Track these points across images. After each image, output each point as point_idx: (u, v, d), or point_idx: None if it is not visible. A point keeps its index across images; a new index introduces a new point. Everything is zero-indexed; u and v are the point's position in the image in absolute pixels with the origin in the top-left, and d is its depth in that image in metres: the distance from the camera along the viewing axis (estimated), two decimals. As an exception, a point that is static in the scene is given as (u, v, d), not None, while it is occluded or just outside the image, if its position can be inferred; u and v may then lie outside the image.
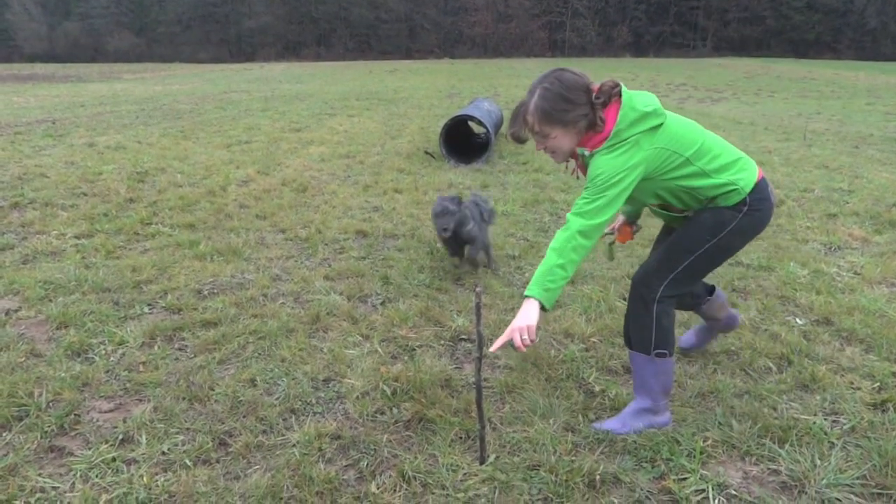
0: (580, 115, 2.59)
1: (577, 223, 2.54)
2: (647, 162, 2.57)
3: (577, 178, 2.87)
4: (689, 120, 2.76)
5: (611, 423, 2.89)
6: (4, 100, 18.81)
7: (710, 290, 3.35)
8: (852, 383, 3.25)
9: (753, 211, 2.70)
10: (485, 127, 8.82)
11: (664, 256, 2.82)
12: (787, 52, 49.10)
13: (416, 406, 2.98)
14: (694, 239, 2.75)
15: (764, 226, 2.82)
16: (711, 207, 2.73)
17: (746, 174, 2.71)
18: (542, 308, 2.53)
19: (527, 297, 2.55)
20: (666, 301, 2.79)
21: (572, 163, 2.86)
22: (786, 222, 6.12)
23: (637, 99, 2.61)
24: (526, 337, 2.47)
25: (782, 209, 6.60)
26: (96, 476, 2.53)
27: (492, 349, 2.56)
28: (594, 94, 2.59)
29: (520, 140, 2.79)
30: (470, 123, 10.23)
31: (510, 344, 2.50)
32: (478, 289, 2.47)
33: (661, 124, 2.59)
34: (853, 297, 4.28)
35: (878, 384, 3.23)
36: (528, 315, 2.50)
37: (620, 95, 2.62)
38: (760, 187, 2.73)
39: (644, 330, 2.80)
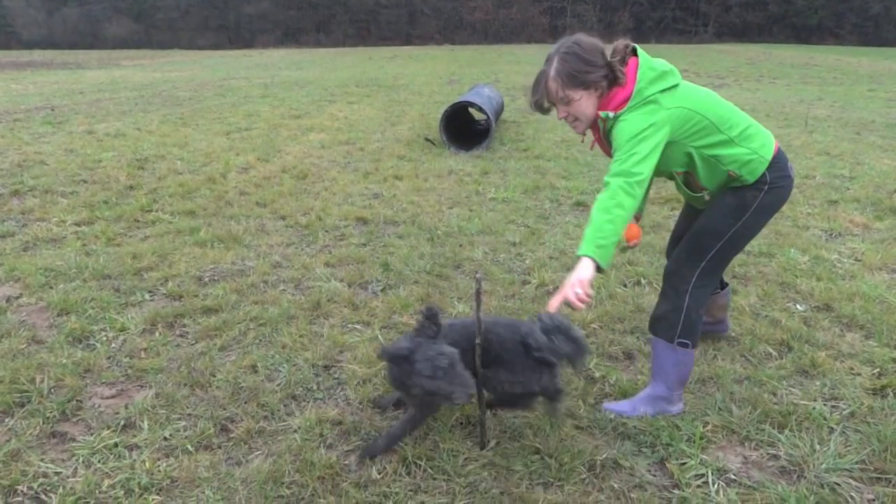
0: (600, 76, 2.62)
1: (615, 182, 2.51)
2: (671, 122, 2.57)
3: (592, 149, 2.89)
4: (705, 88, 2.75)
5: (621, 406, 2.90)
6: (3, 86, 18.74)
7: (723, 285, 3.37)
8: (852, 369, 3.26)
9: (774, 188, 2.71)
10: (485, 113, 8.79)
11: (693, 245, 2.82)
12: (790, 37, 48.83)
13: (416, 392, 2.99)
14: (719, 224, 2.76)
15: (784, 201, 2.83)
16: (732, 189, 2.73)
17: (767, 145, 2.71)
18: (599, 269, 2.46)
19: (580, 256, 2.48)
20: (698, 291, 2.80)
21: (590, 135, 2.87)
22: (787, 209, 6.10)
23: (653, 59, 2.66)
24: (580, 292, 2.38)
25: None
26: (98, 461, 2.54)
27: (549, 308, 2.45)
28: (610, 54, 2.64)
29: (542, 109, 2.79)
30: (470, 110, 10.19)
31: (566, 303, 2.41)
32: (478, 275, 2.47)
33: (678, 84, 2.62)
34: (853, 284, 4.28)
35: (878, 370, 3.24)
36: (581, 272, 2.42)
37: (636, 54, 2.65)
38: (779, 161, 2.73)
39: (672, 318, 2.82)
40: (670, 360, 2.84)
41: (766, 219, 2.81)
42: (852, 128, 11.06)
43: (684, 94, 2.62)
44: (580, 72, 2.60)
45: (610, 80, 2.63)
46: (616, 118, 2.62)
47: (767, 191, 2.70)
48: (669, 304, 2.84)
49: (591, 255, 2.45)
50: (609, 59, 2.62)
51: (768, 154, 2.69)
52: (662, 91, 2.58)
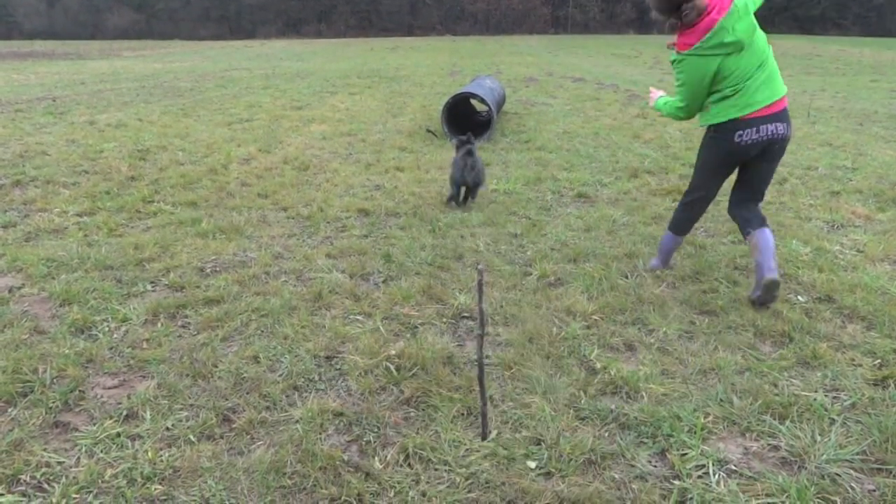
0: None
1: None
2: None
3: None
4: None
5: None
6: (4, 77, 18.73)
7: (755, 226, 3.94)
8: (853, 360, 3.26)
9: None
10: (487, 105, 8.77)
11: None
12: (793, 28, 48.57)
13: (418, 383, 3.00)
14: None
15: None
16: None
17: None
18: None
19: None
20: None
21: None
22: (789, 200, 6.10)
23: None
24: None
25: (785, 186, 6.58)
26: (101, 451, 2.55)
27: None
28: None
29: None
30: (472, 101, 10.17)
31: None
32: (480, 266, 2.47)
33: None
34: (855, 275, 4.28)
35: (879, 361, 3.24)
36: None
37: None
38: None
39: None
40: (665, 243, 4.37)
41: (709, 159, 3.99)
42: (855, 119, 11.04)
43: None
44: None
45: None
46: None
47: (711, 138, 3.91)
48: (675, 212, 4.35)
49: None
50: None
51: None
52: None
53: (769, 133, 3.72)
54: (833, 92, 15.44)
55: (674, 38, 3.75)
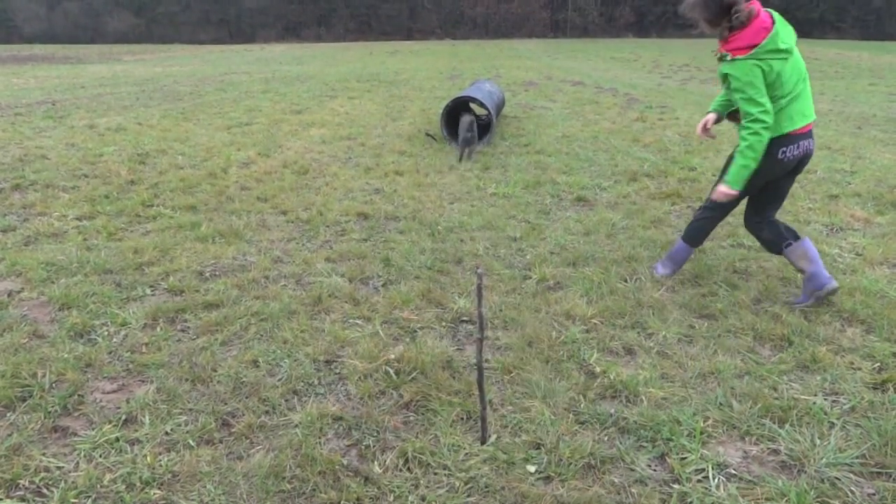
0: None
1: None
2: None
3: None
4: None
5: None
6: (4, 81, 18.74)
7: (795, 236, 3.92)
8: (852, 364, 3.26)
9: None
10: (486, 108, 8.78)
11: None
12: (791, 32, 48.67)
13: (417, 387, 3.00)
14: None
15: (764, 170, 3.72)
16: None
17: None
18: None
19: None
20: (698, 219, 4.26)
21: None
22: (787, 203, 6.09)
23: None
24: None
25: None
26: (100, 456, 2.55)
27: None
28: None
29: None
30: (471, 105, 10.18)
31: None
32: (479, 270, 2.47)
33: None
34: (854, 278, 4.28)
35: (879, 364, 3.24)
36: None
37: None
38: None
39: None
40: (676, 253, 4.32)
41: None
42: (853, 122, 11.05)
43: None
44: None
45: None
46: None
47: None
48: (694, 219, 4.26)
49: None
50: None
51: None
52: None
53: (804, 149, 3.72)
54: (832, 95, 15.45)
55: (720, 47, 3.64)
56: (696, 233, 4.26)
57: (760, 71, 3.49)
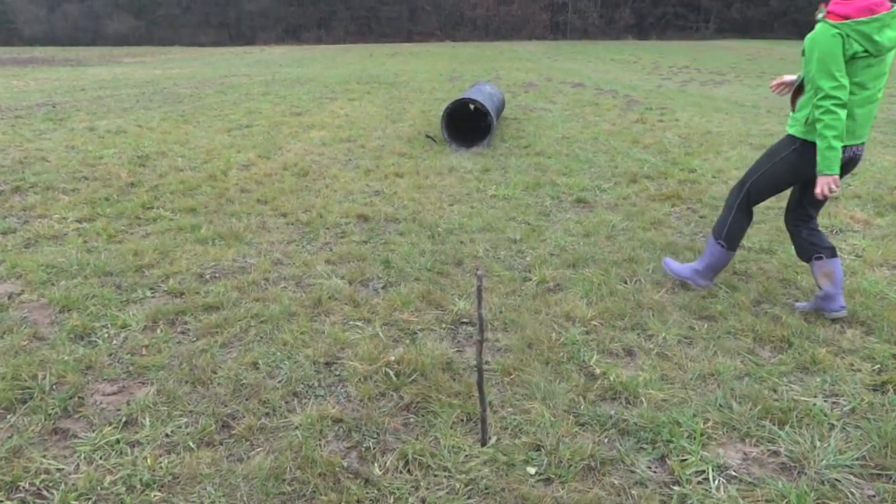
0: None
1: None
2: None
3: None
4: None
5: (675, 266, 4.25)
6: (4, 83, 18.75)
7: (830, 252, 3.77)
8: (852, 365, 3.26)
9: (801, 153, 3.57)
10: (486, 111, 8.78)
11: (746, 173, 3.99)
12: (791, 33, 48.56)
13: (417, 389, 3.00)
14: (762, 159, 3.89)
15: (802, 171, 3.62)
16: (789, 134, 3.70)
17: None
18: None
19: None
20: (739, 212, 3.99)
21: None
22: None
23: None
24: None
25: (784, 192, 6.56)
26: (100, 458, 2.55)
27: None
28: None
29: None
30: (472, 107, 10.19)
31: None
32: (479, 272, 2.47)
33: None
34: (854, 280, 4.28)
35: (879, 366, 3.24)
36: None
37: None
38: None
39: (721, 222, 4.04)
40: (710, 249, 4.03)
41: (782, 171, 3.74)
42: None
43: None
44: None
45: None
46: None
47: (796, 150, 3.59)
48: (722, 213, 4.05)
49: None
50: None
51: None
52: None
53: (853, 152, 3.55)
54: (832, 97, 15.44)
55: (824, 11, 3.38)
56: (734, 233, 3.99)
57: (841, 44, 3.25)
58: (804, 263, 4.56)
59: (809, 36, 3.40)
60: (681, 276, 4.20)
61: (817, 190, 3.45)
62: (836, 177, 3.39)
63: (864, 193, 6.43)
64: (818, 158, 3.40)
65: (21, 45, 49.19)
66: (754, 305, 3.93)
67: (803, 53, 3.46)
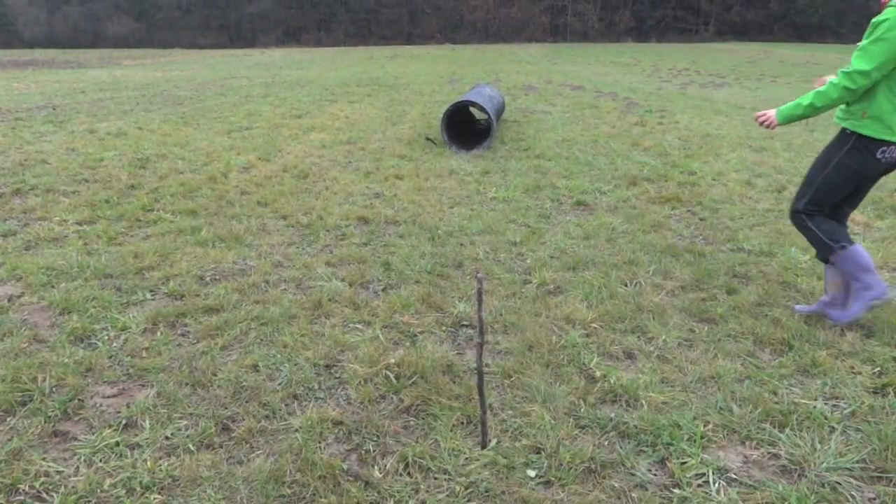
0: None
1: None
2: None
3: None
4: None
5: (834, 314, 3.66)
6: (4, 86, 18.76)
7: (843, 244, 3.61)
8: (853, 368, 3.26)
9: (858, 150, 3.42)
10: (486, 113, 8.79)
11: (804, 181, 3.73)
12: (791, 36, 48.69)
13: (417, 392, 3.00)
14: (820, 159, 3.66)
15: (861, 174, 3.50)
16: (843, 130, 3.51)
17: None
18: None
19: None
20: (815, 218, 3.64)
21: None
22: (787, 208, 6.09)
23: None
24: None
25: (784, 195, 6.58)
26: (100, 460, 2.55)
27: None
28: None
29: None
30: (471, 109, 10.19)
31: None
32: (479, 275, 2.47)
33: None
34: (854, 283, 4.27)
35: (879, 369, 3.24)
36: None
37: None
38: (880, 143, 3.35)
39: (816, 243, 3.69)
40: (844, 264, 3.58)
41: (839, 177, 3.51)
42: (853, 127, 11.03)
43: None
44: None
45: None
46: None
47: (851, 148, 3.42)
48: (806, 237, 3.73)
49: None
50: None
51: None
52: None
53: None
54: (831, 100, 15.45)
55: None
56: (822, 245, 3.66)
57: None
58: (804, 266, 4.58)
59: (885, 16, 3.21)
60: (855, 314, 3.63)
61: (759, 115, 3.73)
62: (776, 123, 3.64)
63: (865, 197, 6.42)
64: (789, 104, 3.55)
65: (21, 47, 49.23)
66: (754, 308, 3.93)
67: (869, 34, 3.26)
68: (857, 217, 5.73)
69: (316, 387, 3.08)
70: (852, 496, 2.37)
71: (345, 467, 2.52)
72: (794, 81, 20.69)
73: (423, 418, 2.85)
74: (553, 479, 2.46)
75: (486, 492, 2.40)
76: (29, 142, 9.17)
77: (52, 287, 4.14)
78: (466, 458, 2.57)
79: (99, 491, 2.38)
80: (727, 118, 11.96)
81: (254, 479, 2.43)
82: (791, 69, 25.99)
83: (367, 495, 2.38)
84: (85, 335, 3.53)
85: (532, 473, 2.49)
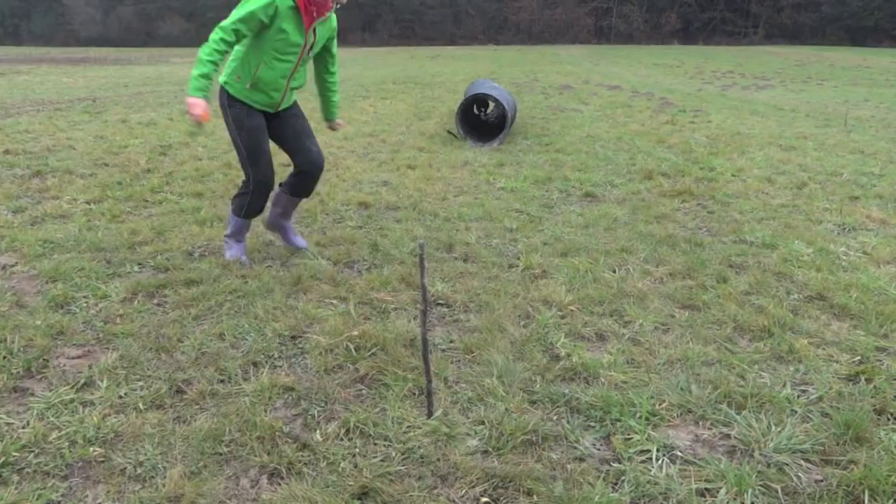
0: None
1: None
2: None
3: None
4: None
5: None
6: (55, 80, 19.39)
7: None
8: (831, 356, 3.14)
9: None
10: (494, 101, 8.75)
11: None
12: (844, 39, 47.25)
13: (374, 362, 2.99)
14: None
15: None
16: None
17: None
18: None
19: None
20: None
21: None
22: (803, 203, 5.93)
23: None
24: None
25: (803, 191, 6.40)
26: (52, 415, 2.60)
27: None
28: None
29: None
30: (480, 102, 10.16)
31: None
32: (421, 241, 2.46)
33: None
34: (854, 275, 4.13)
35: (860, 357, 3.12)
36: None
37: None
38: None
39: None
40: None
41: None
42: (894, 129, 10.69)
43: None
44: None
45: None
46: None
47: None
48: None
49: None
50: None
51: None
52: None
53: None
54: (877, 102, 14.98)
55: None
56: None
57: None
58: (805, 258, 4.44)
59: None
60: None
61: None
62: None
63: (888, 194, 6.22)
64: None
65: (77, 45, 50.84)
66: (742, 296, 3.82)
67: None
68: (874, 214, 5.54)
69: (276, 355, 3.10)
70: (798, 477, 2.28)
71: (286, 430, 2.53)
72: (842, 85, 20.10)
73: (375, 388, 2.84)
74: (491, 449, 2.43)
75: (422, 458, 2.38)
76: (62, 129, 9.44)
77: (46, 258, 4.24)
78: (409, 427, 2.56)
79: (43, 442, 2.43)
80: (762, 118, 11.68)
81: (193, 437, 2.45)
82: (840, 72, 25.27)
83: (301, 456, 2.38)
84: (65, 302, 3.61)
85: (473, 443, 2.46)
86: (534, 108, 13.08)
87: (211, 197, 5.84)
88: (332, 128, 4.84)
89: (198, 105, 3.62)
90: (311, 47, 3.95)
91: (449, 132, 9.39)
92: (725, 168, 7.37)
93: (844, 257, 4.50)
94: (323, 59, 4.27)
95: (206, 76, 3.62)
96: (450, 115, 11.59)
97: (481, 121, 10.16)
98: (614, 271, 4.20)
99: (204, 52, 3.59)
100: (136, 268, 4.15)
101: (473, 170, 7.24)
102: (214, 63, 3.63)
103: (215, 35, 3.62)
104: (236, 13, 3.63)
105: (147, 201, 5.71)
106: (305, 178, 4.28)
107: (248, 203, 4.11)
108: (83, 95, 14.64)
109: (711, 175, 7.03)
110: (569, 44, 51.76)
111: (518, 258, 4.41)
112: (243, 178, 4.17)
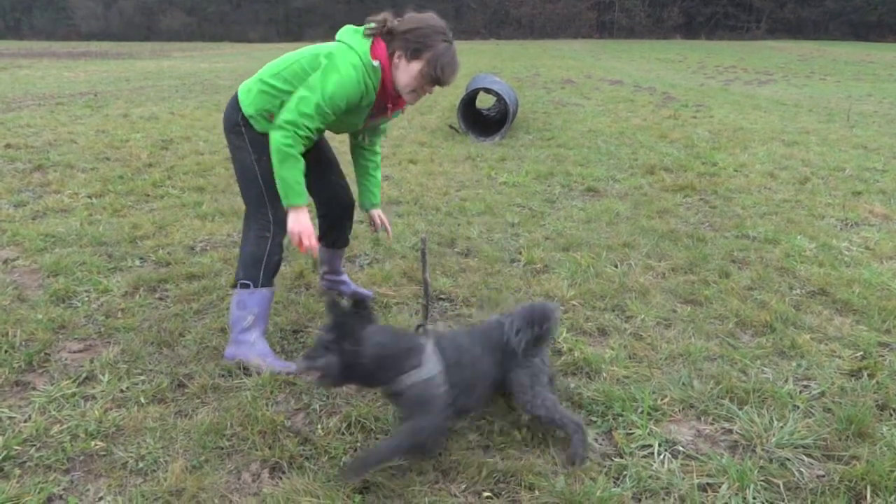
0: None
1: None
2: None
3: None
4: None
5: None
6: (56, 74, 19.37)
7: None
8: (833, 352, 3.14)
9: None
10: (502, 99, 8.73)
11: None
12: (847, 34, 47.08)
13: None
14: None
15: None
16: None
17: None
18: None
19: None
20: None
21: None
22: (806, 199, 5.91)
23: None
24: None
25: (806, 186, 6.38)
26: (54, 409, 2.60)
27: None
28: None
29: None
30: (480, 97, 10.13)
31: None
32: (423, 236, 2.45)
33: None
34: (856, 271, 4.12)
35: (862, 353, 3.11)
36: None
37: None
38: None
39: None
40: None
41: None
42: (896, 123, 10.65)
43: None
44: None
45: None
46: None
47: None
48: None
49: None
50: None
51: None
52: None
53: None
54: (880, 97, 14.94)
55: None
56: None
57: None
58: (807, 253, 4.43)
59: None
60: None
61: None
62: None
63: (891, 189, 6.21)
64: None
65: (79, 40, 50.80)
66: (744, 291, 3.81)
67: None
68: (877, 209, 5.52)
69: (278, 350, 3.09)
70: (800, 472, 2.28)
71: (287, 424, 2.52)
72: (845, 80, 20.04)
73: (377, 383, 2.83)
74: (491, 444, 2.42)
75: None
76: (63, 123, 9.43)
77: (47, 252, 4.24)
78: (411, 422, 2.55)
79: (45, 436, 2.43)
80: (765, 113, 11.65)
81: (194, 431, 2.45)
82: (844, 67, 25.19)
83: (302, 450, 2.38)
84: (67, 296, 3.61)
85: (474, 438, 2.46)
86: (535, 102, 13.06)
87: (212, 191, 5.83)
88: (374, 226, 3.69)
89: (309, 229, 2.76)
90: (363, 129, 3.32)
91: (451, 127, 9.38)
92: (728, 163, 7.36)
93: (847, 252, 4.49)
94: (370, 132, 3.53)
95: (301, 172, 2.77)
96: (452, 110, 11.56)
97: (483, 116, 10.14)
98: (616, 266, 4.19)
99: (284, 143, 2.71)
100: (137, 262, 4.15)
101: (475, 164, 7.23)
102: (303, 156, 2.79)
103: (298, 119, 2.72)
104: (321, 86, 2.76)
105: (148, 195, 5.70)
106: (337, 223, 3.62)
107: (268, 254, 2.99)
108: (84, 90, 14.62)
109: (714, 170, 7.02)
110: (571, 38, 51.64)
111: (520, 253, 4.41)
112: (253, 228, 3.03)
